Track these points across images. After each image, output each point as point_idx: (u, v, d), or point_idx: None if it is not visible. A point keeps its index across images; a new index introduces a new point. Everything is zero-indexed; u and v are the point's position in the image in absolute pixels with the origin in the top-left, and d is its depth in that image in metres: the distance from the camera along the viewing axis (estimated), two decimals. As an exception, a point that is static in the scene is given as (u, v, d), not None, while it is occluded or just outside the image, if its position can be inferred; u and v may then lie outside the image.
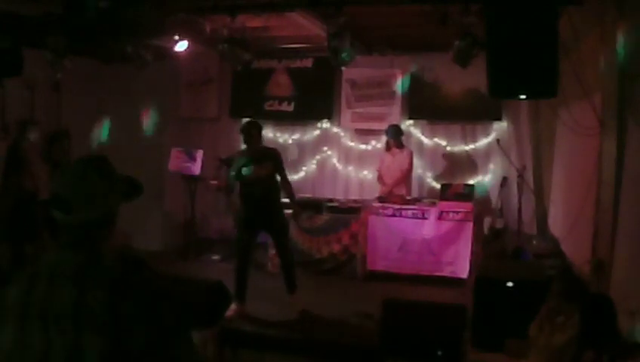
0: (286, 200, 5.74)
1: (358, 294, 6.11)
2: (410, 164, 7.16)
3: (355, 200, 7.36)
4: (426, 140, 7.82)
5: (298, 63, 8.17)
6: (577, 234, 5.04)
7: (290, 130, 8.23)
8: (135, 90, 8.18)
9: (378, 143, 7.75)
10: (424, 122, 7.85)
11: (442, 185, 7.00)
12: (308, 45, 7.51)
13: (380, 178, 7.35)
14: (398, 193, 7.01)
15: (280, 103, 8.26)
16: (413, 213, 6.66)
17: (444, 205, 6.61)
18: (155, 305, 1.56)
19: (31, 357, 1.50)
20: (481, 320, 4.28)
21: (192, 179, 7.62)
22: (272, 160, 5.50)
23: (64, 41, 5.71)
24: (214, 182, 7.64)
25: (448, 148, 7.72)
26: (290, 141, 8.20)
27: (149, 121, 8.50)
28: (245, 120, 5.94)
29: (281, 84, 8.26)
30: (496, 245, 6.71)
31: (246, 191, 5.43)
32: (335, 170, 8.18)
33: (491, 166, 7.55)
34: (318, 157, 8.24)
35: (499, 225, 6.95)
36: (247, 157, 5.42)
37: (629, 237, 3.75)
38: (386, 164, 7.27)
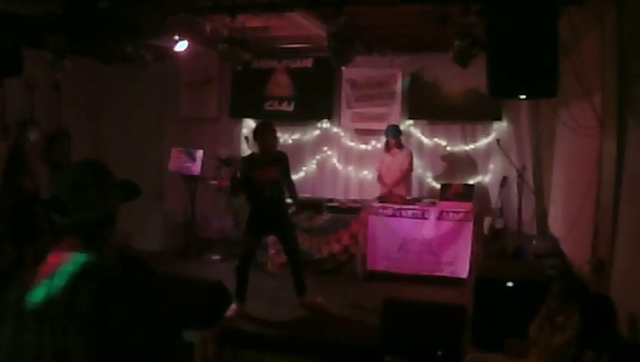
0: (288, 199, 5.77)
1: (358, 294, 6.11)
2: (410, 164, 7.17)
3: (355, 200, 7.36)
4: (426, 140, 7.82)
5: (298, 63, 8.17)
6: (577, 234, 5.04)
7: (290, 130, 8.23)
8: (135, 90, 8.18)
9: (378, 143, 7.75)
10: (424, 122, 7.85)
11: (442, 185, 7.01)
12: (308, 45, 7.51)
13: (379, 178, 7.35)
14: (398, 193, 7.02)
15: (280, 103, 8.26)
16: (413, 213, 6.66)
17: (444, 205, 6.61)
18: (151, 306, 1.57)
19: (26, 357, 1.52)
20: (481, 320, 4.28)
21: (192, 179, 7.63)
22: (281, 163, 5.53)
23: (64, 41, 5.71)
24: (214, 182, 7.66)
25: (448, 148, 7.72)
26: (290, 141, 8.20)
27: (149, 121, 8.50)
28: (261, 122, 5.90)
29: (281, 84, 8.26)
30: (496, 245, 6.72)
31: (255, 193, 5.43)
32: (335, 170, 8.18)
33: (491, 166, 7.55)
34: (318, 157, 8.24)
35: (499, 225, 6.94)
36: (260, 160, 5.41)
37: (629, 237, 3.75)
38: (385, 164, 7.27)
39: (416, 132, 7.85)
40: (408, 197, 7.02)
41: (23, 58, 5.45)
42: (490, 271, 4.82)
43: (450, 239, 6.50)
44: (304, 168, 8.21)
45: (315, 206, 7.00)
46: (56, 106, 7.78)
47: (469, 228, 6.44)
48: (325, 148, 8.20)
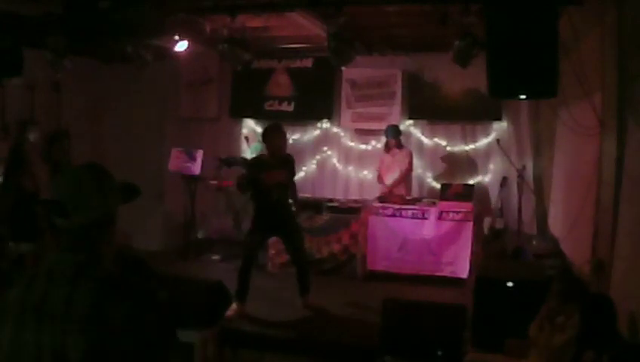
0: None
1: (358, 294, 6.11)
2: (410, 163, 7.17)
3: (355, 200, 7.36)
4: (426, 140, 7.82)
5: (298, 63, 8.17)
6: (577, 234, 5.04)
7: (290, 130, 8.19)
8: (135, 90, 8.18)
9: (378, 143, 7.75)
10: (424, 122, 7.85)
11: (442, 185, 7.00)
12: (308, 45, 7.51)
13: (379, 178, 7.35)
14: (398, 193, 7.02)
15: (280, 103, 8.26)
16: (413, 213, 6.66)
17: (444, 205, 6.61)
18: (150, 306, 1.58)
19: (26, 357, 1.53)
20: (481, 320, 4.28)
21: (192, 179, 7.62)
22: (289, 166, 5.53)
23: (64, 41, 5.71)
24: (214, 182, 7.66)
25: (448, 148, 7.72)
26: (290, 141, 8.18)
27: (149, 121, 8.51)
28: (270, 123, 5.90)
29: (281, 84, 8.26)
30: (496, 245, 6.71)
31: (262, 196, 5.42)
32: (335, 170, 8.18)
33: (491, 166, 7.55)
34: (318, 157, 8.24)
35: (499, 225, 6.95)
36: (268, 162, 5.42)
37: (629, 237, 3.75)
38: (385, 164, 7.27)
39: (416, 132, 7.85)
40: (408, 197, 7.02)
41: (23, 58, 5.45)
42: (490, 271, 4.82)
43: (450, 239, 6.50)
44: (304, 168, 8.20)
45: (315, 206, 7.00)
46: (56, 106, 7.78)
47: (469, 228, 6.44)
48: (325, 148, 8.20)
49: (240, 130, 8.45)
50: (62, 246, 1.64)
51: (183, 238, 7.94)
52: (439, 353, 4.00)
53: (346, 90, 7.97)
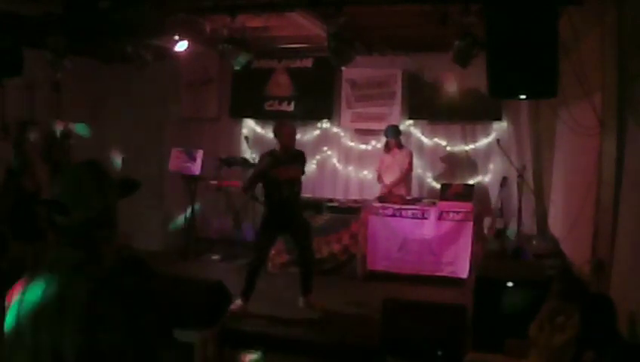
0: None
1: (358, 294, 6.11)
2: (410, 163, 7.17)
3: (355, 200, 7.36)
4: (426, 140, 7.82)
5: (298, 63, 8.17)
6: (577, 234, 5.04)
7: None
8: (135, 90, 8.18)
9: (378, 143, 7.75)
10: (424, 122, 7.85)
11: (442, 185, 7.01)
12: (308, 45, 7.51)
13: (379, 178, 7.35)
14: (398, 193, 7.02)
15: (280, 103, 8.26)
16: (413, 213, 6.66)
17: (444, 205, 6.61)
18: (145, 306, 1.58)
19: (24, 354, 1.55)
20: (481, 320, 4.28)
21: (192, 179, 7.62)
22: (300, 161, 5.55)
23: (64, 41, 5.71)
24: (214, 182, 7.67)
25: (448, 148, 7.72)
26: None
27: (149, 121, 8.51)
28: (280, 120, 5.92)
29: (281, 84, 8.26)
30: (496, 245, 6.71)
31: (273, 191, 5.45)
32: (335, 170, 8.18)
33: (491, 166, 7.55)
34: (318, 157, 8.23)
35: (499, 225, 6.94)
36: (280, 158, 5.43)
37: (629, 237, 3.75)
38: (385, 164, 7.27)
39: (416, 132, 7.85)
40: (408, 197, 7.02)
41: (23, 58, 5.44)
42: (490, 271, 4.82)
43: (450, 239, 6.50)
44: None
45: (315, 206, 7.00)
46: (56, 106, 7.78)
47: (469, 228, 6.45)
48: (325, 148, 8.19)
49: (240, 130, 8.45)
50: (62, 243, 1.66)
51: (183, 238, 7.94)
52: (439, 353, 4.00)
53: (346, 90, 7.97)
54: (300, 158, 5.56)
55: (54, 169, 6.59)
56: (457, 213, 6.49)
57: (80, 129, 7.37)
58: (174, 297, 4.18)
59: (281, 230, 5.63)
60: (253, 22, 5.97)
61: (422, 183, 7.80)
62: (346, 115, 8.02)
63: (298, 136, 8.13)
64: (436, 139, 7.77)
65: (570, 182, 5.69)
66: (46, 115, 7.48)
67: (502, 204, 7.04)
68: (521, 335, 3.54)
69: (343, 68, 7.52)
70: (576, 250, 5.07)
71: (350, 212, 6.88)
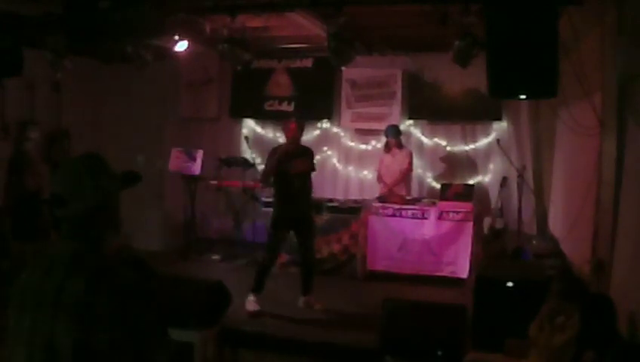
0: None
1: (358, 294, 6.11)
2: (410, 163, 7.17)
3: (355, 201, 7.36)
4: (426, 140, 7.82)
5: (298, 63, 8.17)
6: (577, 234, 5.04)
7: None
8: (135, 90, 8.18)
9: (378, 143, 7.75)
10: (424, 122, 7.85)
11: (442, 185, 7.01)
12: (308, 45, 7.51)
13: (379, 178, 7.35)
14: (398, 193, 7.02)
15: (280, 103, 8.26)
16: (413, 213, 6.66)
17: (444, 205, 6.61)
18: (137, 302, 1.59)
19: (21, 342, 1.59)
20: (481, 320, 4.28)
21: (192, 179, 7.62)
22: (309, 158, 5.64)
23: (64, 41, 5.70)
24: (214, 182, 7.67)
25: (448, 148, 7.72)
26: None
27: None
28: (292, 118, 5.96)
29: (281, 84, 8.26)
30: (496, 245, 6.71)
31: (284, 185, 5.48)
32: (335, 170, 8.18)
33: (491, 166, 7.55)
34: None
35: (499, 225, 6.94)
36: (290, 152, 5.48)
37: (629, 237, 3.74)
38: (385, 164, 7.27)
39: (416, 132, 7.85)
40: (408, 197, 7.02)
41: (23, 58, 5.45)
42: (490, 271, 4.82)
43: (450, 239, 6.50)
44: (304, 168, 8.20)
45: (315, 206, 6.99)
46: (56, 106, 7.78)
47: (469, 228, 6.45)
48: (325, 148, 8.19)
49: (240, 130, 8.45)
50: (62, 235, 1.68)
51: (183, 238, 7.94)
52: (439, 353, 4.00)
53: (346, 90, 7.97)
54: (308, 153, 5.66)
55: (54, 169, 6.59)
56: (457, 213, 6.49)
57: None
58: (174, 297, 4.18)
59: (291, 227, 5.59)
60: (253, 22, 5.97)
61: (422, 183, 7.80)
62: (346, 114, 8.02)
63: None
64: (436, 139, 7.77)
65: (570, 182, 5.69)
66: (46, 115, 7.48)
67: (502, 204, 7.04)
68: (521, 335, 3.54)
69: (343, 68, 7.52)
70: (576, 250, 5.07)
71: (350, 212, 6.87)
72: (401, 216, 6.68)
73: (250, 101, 8.33)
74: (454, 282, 6.34)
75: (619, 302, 3.36)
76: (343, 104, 8.01)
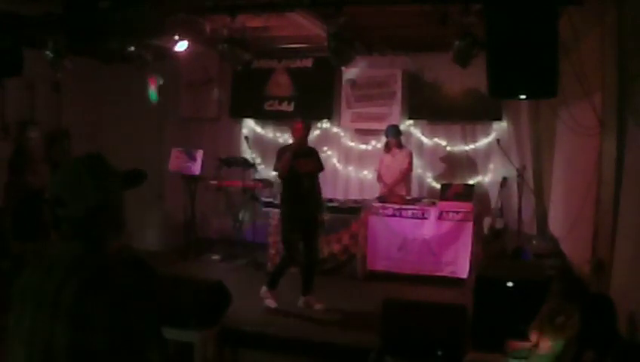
0: None
1: (358, 294, 6.11)
2: (410, 163, 7.17)
3: (355, 201, 7.35)
4: (426, 140, 7.82)
5: (298, 63, 8.17)
6: (577, 234, 5.04)
7: (290, 130, 8.21)
8: (135, 90, 8.18)
9: (378, 143, 7.75)
10: (424, 122, 7.85)
11: (442, 185, 7.01)
12: (308, 45, 7.51)
13: (379, 178, 7.35)
14: (398, 193, 7.02)
15: (280, 103, 8.26)
16: (413, 213, 6.66)
17: (444, 205, 6.61)
18: (130, 303, 1.58)
19: (23, 341, 1.59)
20: (481, 320, 4.28)
21: (192, 179, 7.62)
22: (316, 158, 5.74)
23: (64, 41, 5.70)
24: (214, 182, 7.67)
25: (448, 148, 7.72)
26: (290, 141, 8.18)
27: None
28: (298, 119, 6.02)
29: (281, 84, 8.26)
30: (496, 245, 6.71)
31: (294, 184, 5.52)
32: (335, 170, 8.17)
33: (491, 166, 7.55)
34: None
35: (499, 225, 6.94)
36: (298, 151, 5.53)
37: (629, 237, 3.75)
38: (385, 164, 7.27)
39: (416, 132, 7.85)
40: (408, 197, 7.03)
41: (23, 58, 5.45)
42: (490, 271, 4.82)
43: (450, 239, 6.50)
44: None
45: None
46: (56, 106, 7.78)
47: (469, 228, 6.45)
48: (325, 148, 8.18)
49: (240, 130, 8.46)
50: (62, 235, 1.68)
51: (183, 238, 7.94)
52: (439, 353, 3.99)
53: (346, 90, 7.97)
54: (315, 154, 5.78)
55: (54, 169, 6.59)
56: (457, 213, 6.49)
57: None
58: (174, 297, 4.18)
59: (301, 227, 5.60)
60: (253, 22, 5.97)
61: (422, 183, 7.80)
62: (346, 115, 8.02)
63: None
64: (436, 139, 7.77)
65: (570, 182, 5.69)
66: (46, 115, 7.48)
67: (502, 204, 7.05)
68: (521, 335, 3.54)
69: (343, 68, 7.53)
70: (576, 250, 5.07)
71: (350, 212, 6.87)
72: (401, 216, 6.68)
73: (250, 101, 8.33)
74: (454, 282, 6.34)
75: (619, 302, 3.36)
76: (343, 104, 8.01)
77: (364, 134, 8.05)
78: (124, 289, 1.60)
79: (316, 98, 8.09)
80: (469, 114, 7.45)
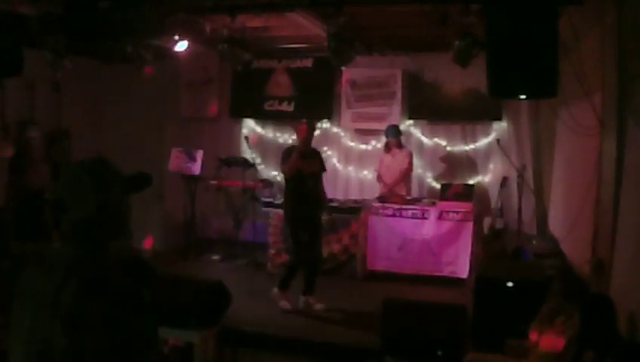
0: None
1: (358, 294, 6.11)
2: (410, 163, 7.17)
3: (355, 201, 7.35)
4: (426, 140, 7.82)
5: (298, 63, 8.17)
6: (577, 234, 5.04)
7: (290, 130, 8.23)
8: (135, 90, 8.18)
9: (378, 143, 7.75)
10: (424, 122, 7.85)
11: (442, 185, 7.01)
12: (308, 45, 7.52)
13: (379, 178, 7.35)
14: (398, 193, 7.02)
15: (280, 103, 8.26)
16: (413, 213, 6.66)
17: (444, 205, 6.61)
18: (127, 307, 1.59)
19: (23, 340, 1.60)
20: (481, 320, 4.28)
21: (192, 179, 7.62)
22: (319, 159, 5.77)
23: (64, 41, 5.70)
24: (214, 182, 7.67)
25: (448, 148, 7.72)
26: (290, 141, 8.19)
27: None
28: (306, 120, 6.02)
29: (281, 84, 8.26)
30: (496, 245, 6.71)
31: (298, 184, 5.53)
32: (335, 170, 8.17)
33: (491, 166, 7.55)
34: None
35: (499, 225, 6.94)
36: (302, 152, 5.53)
37: (629, 237, 3.75)
38: (385, 164, 7.27)
39: (416, 132, 7.85)
40: (408, 197, 7.02)
41: (23, 58, 5.45)
42: (490, 271, 4.82)
43: (450, 239, 6.50)
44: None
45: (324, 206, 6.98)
46: (56, 106, 7.78)
47: (469, 228, 6.45)
48: (325, 148, 8.18)
49: (240, 130, 8.45)
50: (62, 237, 1.68)
51: (183, 238, 7.94)
52: (439, 353, 3.99)
53: (346, 90, 7.97)
54: (318, 155, 5.80)
55: (54, 169, 6.60)
56: (457, 213, 6.49)
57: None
58: (174, 297, 4.18)
59: (305, 227, 5.61)
60: (253, 22, 5.97)
61: (422, 183, 7.80)
62: (346, 115, 8.02)
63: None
64: (436, 139, 7.77)
65: (570, 182, 5.69)
66: (46, 115, 7.48)
67: (502, 204, 7.04)
68: (521, 335, 3.54)
69: (343, 68, 7.53)
70: (576, 250, 5.07)
71: (350, 212, 6.87)
72: (401, 216, 6.68)
73: (250, 101, 8.33)
74: (454, 282, 6.34)
75: (619, 302, 3.36)
76: (343, 104, 8.01)
77: (364, 134, 8.05)
78: (123, 289, 1.60)
79: (316, 98, 8.09)
80: (469, 114, 7.45)
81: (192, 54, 6.77)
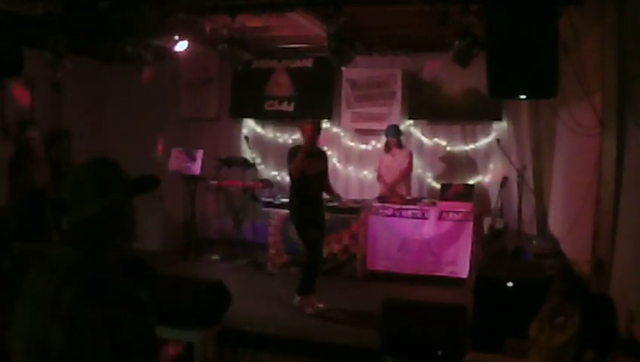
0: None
1: (358, 294, 6.11)
2: (410, 163, 7.16)
3: (355, 201, 7.35)
4: (426, 140, 7.82)
5: (298, 63, 8.17)
6: (577, 234, 5.04)
7: (290, 130, 8.23)
8: (135, 90, 8.18)
9: (378, 143, 7.75)
10: (424, 122, 7.84)
11: (442, 185, 7.01)
12: (308, 45, 7.51)
13: (379, 178, 7.35)
14: (398, 193, 7.02)
15: (280, 103, 8.26)
16: (413, 213, 6.66)
17: (444, 205, 6.61)
18: (124, 310, 1.59)
19: (23, 339, 1.61)
20: (481, 320, 4.28)
21: (192, 179, 7.62)
22: (325, 158, 5.80)
23: (64, 41, 5.71)
24: (214, 182, 7.67)
25: (448, 148, 7.72)
26: (290, 141, 8.19)
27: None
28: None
29: (281, 84, 8.26)
30: (496, 245, 6.71)
31: (303, 184, 5.53)
32: (335, 170, 8.15)
33: (491, 166, 7.54)
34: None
35: (499, 225, 6.94)
36: (307, 152, 5.54)
37: (629, 237, 3.75)
38: (385, 163, 7.27)
39: (416, 132, 7.85)
40: (408, 197, 7.02)
41: (23, 58, 5.45)
42: (490, 271, 4.82)
43: (450, 239, 6.50)
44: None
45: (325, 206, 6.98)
46: (56, 106, 7.78)
47: (469, 228, 6.45)
48: (325, 148, 8.17)
49: (240, 130, 8.45)
50: (64, 237, 1.69)
51: (183, 238, 7.93)
52: (439, 353, 3.99)
53: (346, 90, 7.97)
54: (323, 155, 5.81)
55: (54, 169, 6.59)
56: (457, 213, 6.49)
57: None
58: (174, 297, 4.18)
59: (309, 227, 5.62)
60: (253, 22, 5.97)
61: (422, 183, 7.80)
62: (346, 115, 8.01)
63: (298, 136, 8.18)
64: (436, 139, 7.76)
65: (570, 182, 5.70)
66: (46, 115, 7.48)
67: (502, 204, 7.04)
68: (521, 335, 3.54)
69: (343, 68, 7.52)
70: (576, 250, 5.07)
71: (350, 212, 6.86)
72: (401, 216, 6.68)
73: (250, 101, 8.32)
74: (454, 282, 6.34)
75: (619, 302, 3.36)
76: (343, 104, 8.01)
77: (364, 134, 8.05)
78: (123, 289, 1.60)
79: (316, 98, 8.09)
80: (469, 114, 7.45)
81: (192, 54, 6.77)
